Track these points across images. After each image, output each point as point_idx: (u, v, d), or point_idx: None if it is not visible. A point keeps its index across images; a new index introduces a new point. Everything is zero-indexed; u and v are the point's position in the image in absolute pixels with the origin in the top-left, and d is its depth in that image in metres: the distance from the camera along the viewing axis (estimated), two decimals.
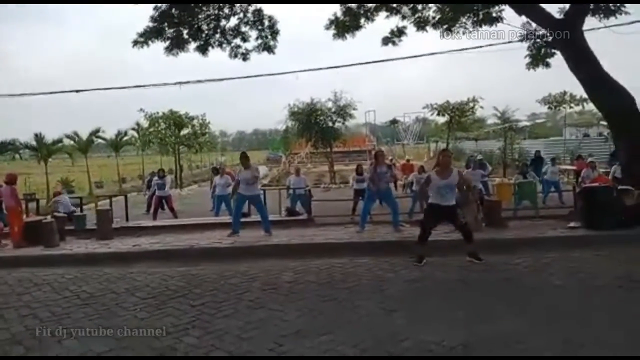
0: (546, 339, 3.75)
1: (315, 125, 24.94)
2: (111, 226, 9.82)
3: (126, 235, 9.57)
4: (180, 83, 12.51)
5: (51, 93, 12.17)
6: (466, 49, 11.51)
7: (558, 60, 10.58)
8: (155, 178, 13.89)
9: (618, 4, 9.80)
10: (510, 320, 4.19)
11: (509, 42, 11.06)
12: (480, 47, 11.48)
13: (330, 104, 25.50)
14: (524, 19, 10.70)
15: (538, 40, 11.09)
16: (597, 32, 10.31)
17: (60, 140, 25.83)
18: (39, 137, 23.82)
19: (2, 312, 5.07)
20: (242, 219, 9.41)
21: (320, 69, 13.14)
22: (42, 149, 23.89)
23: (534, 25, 10.67)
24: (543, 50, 11.26)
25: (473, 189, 8.98)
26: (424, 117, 40.50)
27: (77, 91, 11.88)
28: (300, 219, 10.23)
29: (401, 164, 21.63)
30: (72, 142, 27.60)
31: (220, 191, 12.24)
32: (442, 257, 6.51)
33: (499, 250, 6.83)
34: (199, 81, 12.79)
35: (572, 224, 7.95)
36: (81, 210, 12.04)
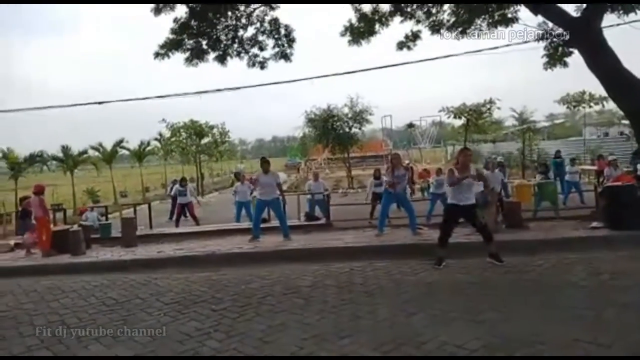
0: (571, 340, 3.70)
1: (332, 131, 25.06)
2: (135, 234, 10.06)
3: (150, 242, 9.81)
4: (199, 92, 12.77)
5: (74, 105, 12.47)
6: (481, 50, 11.41)
7: (576, 58, 10.43)
8: (177, 186, 14.20)
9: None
10: (532, 321, 4.15)
11: (525, 42, 10.93)
12: (496, 47, 11.39)
13: (346, 110, 25.62)
14: (540, 18, 10.58)
15: (555, 39, 10.94)
16: (615, 29, 10.12)
17: (85, 152, 26.67)
18: (65, 149, 24.61)
19: (32, 319, 5.25)
20: (262, 225, 9.53)
21: (337, 74, 13.17)
22: (69, 160, 24.67)
23: (550, 24, 10.54)
24: (560, 49, 11.09)
25: (492, 191, 8.94)
26: (440, 120, 40.21)
27: (99, 103, 12.20)
28: (319, 224, 10.31)
29: (419, 171, 21.58)
30: (97, 153, 28.43)
31: (241, 198, 12.42)
32: (462, 260, 6.48)
33: (519, 251, 6.76)
34: (218, 90, 13.01)
35: (594, 224, 7.81)
36: (106, 219, 12.37)
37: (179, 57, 12.19)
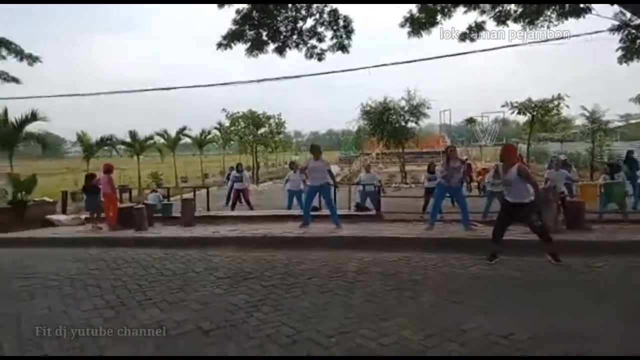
0: (622, 339, 3.54)
1: (387, 125, 24.77)
2: (194, 214, 10.58)
3: (207, 224, 10.27)
4: (259, 80, 13.15)
5: (144, 90, 13.33)
6: (548, 40, 10.85)
7: None
8: (234, 172, 14.71)
9: None
10: (584, 318, 3.99)
11: (597, 32, 10.27)
12: (564, 37, 10.80)
13: (403, 103, 25.23)
14: (616, 8, 9.91)
15: (633, 31, 10.21)
16: None
17: (151, 137, 28.23)
18: (133, 134, 26.22)
19: (99, 282, 5.73)
20: (313, 213, 9.68)
21: (396, 63, 13.03)
22: (136, 145, 26.25)
23: (628, 15, 9.84)
24: (638, 42, 10.34)
25: (554, 190, 8.53)
26: (504, 117, 38.54)
27: (166, 89, 12.91)
28: (369, 214, 10.32)
29: (478, 169, 20.88)
30: (161, 140, 30.00)
31: (293, 186, 12.64)
32: (517, 257, 6.27)
33: (579, 252, 6.40)
34: (277, 79, 13.34)
35: None
36: (168, 200, 13.06)
37: (240, 48, 12.69)
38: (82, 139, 21.70)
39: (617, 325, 3.83)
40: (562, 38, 10.77)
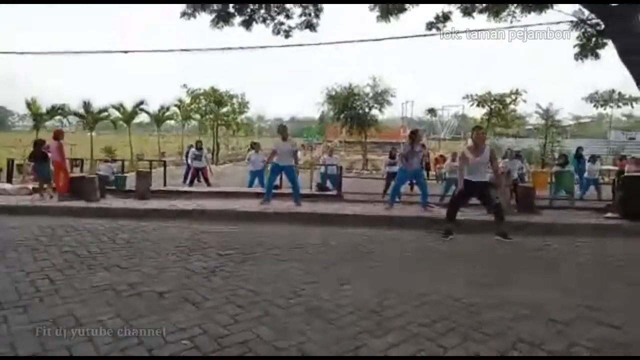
0: (562, 305, 3.74)
1: (351, 110, 24.91)
2: (149, 188, 10.21)
3: (163, 198, 9.94)
4: (224, 49, 12.78)
5: (100, 52, 12.66)
6: (513, 26, 11.19)
7: (608, 57, 10.18)
8: (193, 149, 14.31)
9: None
10: (528, 287, 4.19)
11: (559, 22, 10.68)
12: (527, 25, 11.22)
13: (368, 89, 25.41)
14: (576, 6, 10.31)
15: (590, 29, 10.66)
16: None
17: (105, 110, 26.96)
18: (86, 105, 24.96)
19: (46, 248, 5.43)
20: (274, 191, 9.59)
21: (363, 40, 13.11)
22: (89, 117, 25.02)
23: (586, 12, 10.25)
24: (594, 40, 10.81)
25: (508, 175, 8.87)
26: (463, 113, 39.50)
27: (125, 52, 12.34)
28: (329, 194, 10.34)
29: (435, 157, 21.40)
30: (117, 113, 28.73)
31: (255, 167, 12.47)
32: (470, 235, 6.49)
33: (528, 233, 6.75)
34: (242, 48, 13.00)
35: (608, 214, 7.70)
36: (122, 174, 12.58)
37: (205, 19, 12.26)
38: (31, 106, 20.46)
39: (557, 293, 4.04)
40: (525, 26, 11.09)
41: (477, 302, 3.69)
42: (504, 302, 3.73)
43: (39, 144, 10.09)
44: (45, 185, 9.87)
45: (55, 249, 5.39)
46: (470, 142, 7.09)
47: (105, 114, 27.09)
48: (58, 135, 9.70)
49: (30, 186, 11.13)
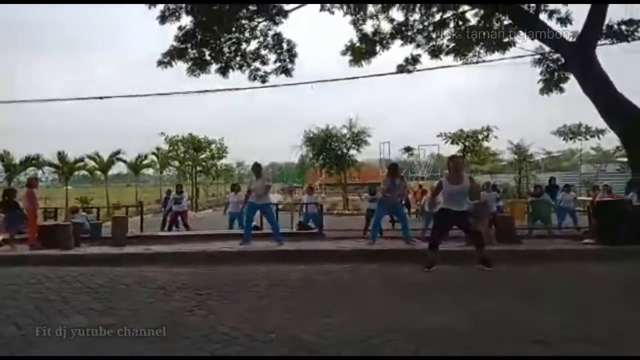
0: (543, 323, 3.76)
1: (330, 151, 25.23)
2: (126, 234, 9.95)
3: (140, 244, 9.68)
4: (201, 91, 12.95)
5: (77, 99, 12.63)
6: (484, 60, 11.72)
7: (572, 93, 10.68)
8: (174, 193, 14.09)
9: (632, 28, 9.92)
10: (514, 312, 4.17)
11: (521, 56, 11.25)
12: (492, 61, 11.78)
13: (345, 131, 25.89)
14: (537, 43, 10.90)
15: (551, 64, 11.24)
16: (611, 55, 10.34)
17: (82, 160, 26.55)
18: (61, 155, 24.56)
19: (14, 295, 5.18)
20: (254, 232, 9.46)
21: (338, 80, 13.43)
22: (64, 167, 24.56)
23: (547, 49, 10.83)
24: (557, 74, 11.37)
25: (485, 205, 8.97)
26: (438, 153, 40.43)
27: (100, 98, 12.32)
28: (311, 232, 10.26)
29: (414, 190, 21.61)
30: (93, 163, 28.33)
31: (234, 208, 12.33)
32: (453, 266, 6.45)
33: (510, 261, 6.74)
34: (219, 90, 13.22)
35: (585, 241, 7.81)
36: (97, 220, 12.26)
37: (182, 67, 12.44)
38: (3, 157, 20.05)
39: (542, 313, 4.07)
40: (493, 61, 11.62)
41: (464, 329, 3.62)
42: (488, 327, 3.68)
43: (9, 192, 9.82)
44: (14, 235, 9.54)
45: (25, 296, 5.15)
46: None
47: (82, 163, 26.70)
48: (31, 182, 9.50)
49: (1, 237, 10.73)
